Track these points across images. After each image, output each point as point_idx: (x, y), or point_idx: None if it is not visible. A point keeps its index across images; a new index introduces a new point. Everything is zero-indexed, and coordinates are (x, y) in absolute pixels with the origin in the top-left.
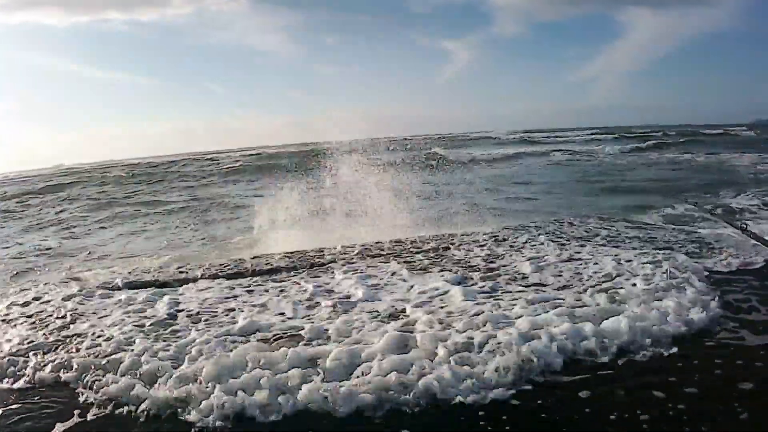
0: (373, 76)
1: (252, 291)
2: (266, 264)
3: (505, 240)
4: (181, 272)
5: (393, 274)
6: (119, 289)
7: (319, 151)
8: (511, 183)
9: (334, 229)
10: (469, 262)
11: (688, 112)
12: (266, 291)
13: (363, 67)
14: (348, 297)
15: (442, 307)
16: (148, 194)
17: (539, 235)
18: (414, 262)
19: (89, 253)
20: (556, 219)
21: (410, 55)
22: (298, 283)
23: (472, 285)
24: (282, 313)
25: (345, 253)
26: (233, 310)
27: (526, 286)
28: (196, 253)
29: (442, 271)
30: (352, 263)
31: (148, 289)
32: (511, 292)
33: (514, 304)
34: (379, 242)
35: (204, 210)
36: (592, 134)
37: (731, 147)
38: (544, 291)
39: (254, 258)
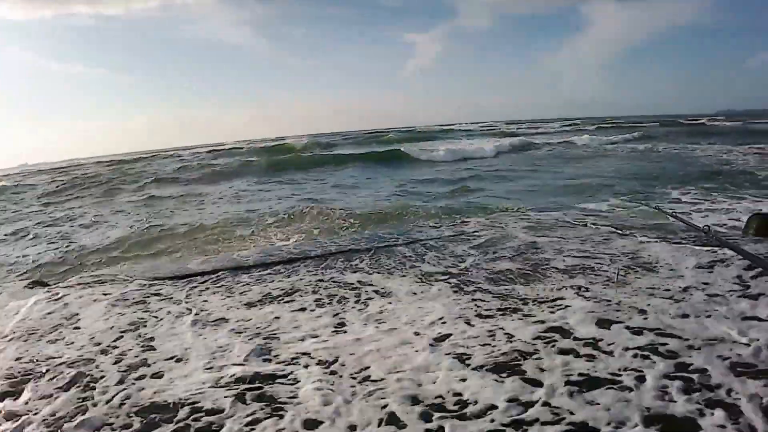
0: (340, 69)
1: None
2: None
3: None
4: None
5: None
6: None
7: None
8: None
9: None
10: None
11: (656, 102)
12: None
13: (331, 59)
14: None
15: None
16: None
17: None
18: None
19: None
20: None
21: (378, 48)
22: None
23: None
24: None
25: None
26: None
27: None
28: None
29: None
30: None
31: None
32: None
33: None
34: None
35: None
36: (566, 125)
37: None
38: None
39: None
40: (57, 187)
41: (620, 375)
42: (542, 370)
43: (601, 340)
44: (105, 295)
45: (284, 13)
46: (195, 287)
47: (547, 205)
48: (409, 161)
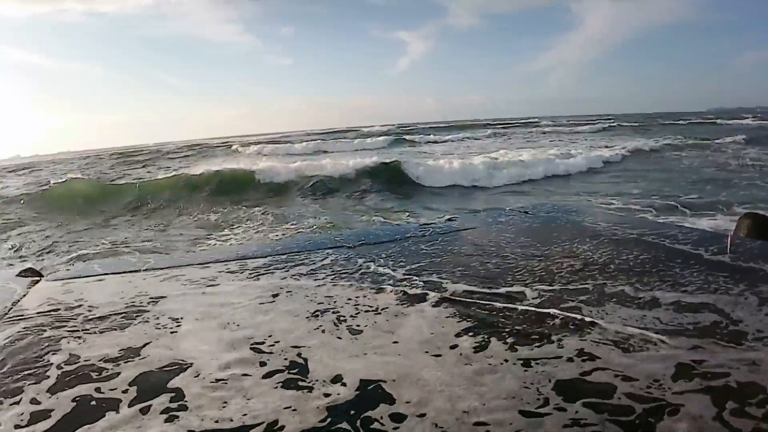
0: (327, 67)
1: None
2: None
3: None
4: None
5: None
6: None
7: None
8: None
9: None
10: None
11: (646, 101)
12: None
13: (318, 57)
14: None
15: None
16: None
17: None
18: None
19: None
20: None
21: (365, 46)
22: None
23: None
24: None
25: None
26: None
27: None
28: None
29: None
30: None
31: None
32: None
33: None
34: None
35: None
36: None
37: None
38: None
39: None
40: None
41: None
42: None
43: None
44: None
45: (273, 12)
46: None
47: None
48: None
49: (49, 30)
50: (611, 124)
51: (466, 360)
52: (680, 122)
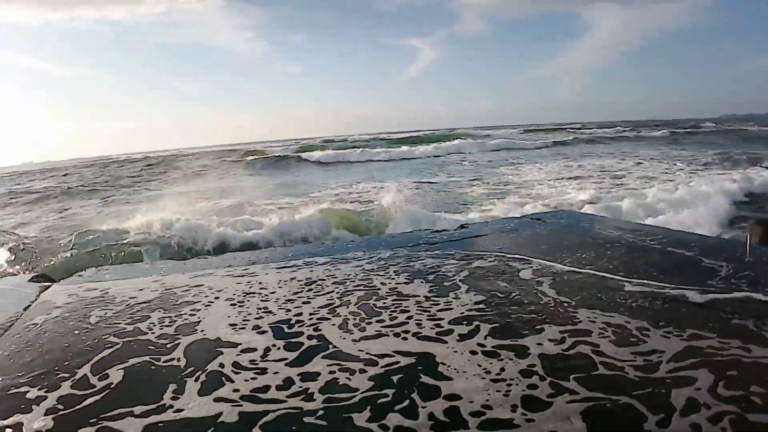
0: (338, 74)
1: None
2: None
3: None
4: None
5: None
6: None
7: None
8: None
9: None
10: None
11: (658, 107)
12: None
13: (328, 64)
14: None
15: None
16: None
17: None
18: None
19: None
20: None
21: (375, 53)
22: None
23: None
24: None
25: None
26: None
27: None
28: None
29: None
30: None
31: None
32: None
33: None
34: None
35: None
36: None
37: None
38: None
39: None
40: None
41: None
42: None
43: None
44: None
45: (285, 19)
46: None
47: None
48: None
49: (61, 37)
50: (664, 133)
51: (480, 347)
52: (728, 128)
